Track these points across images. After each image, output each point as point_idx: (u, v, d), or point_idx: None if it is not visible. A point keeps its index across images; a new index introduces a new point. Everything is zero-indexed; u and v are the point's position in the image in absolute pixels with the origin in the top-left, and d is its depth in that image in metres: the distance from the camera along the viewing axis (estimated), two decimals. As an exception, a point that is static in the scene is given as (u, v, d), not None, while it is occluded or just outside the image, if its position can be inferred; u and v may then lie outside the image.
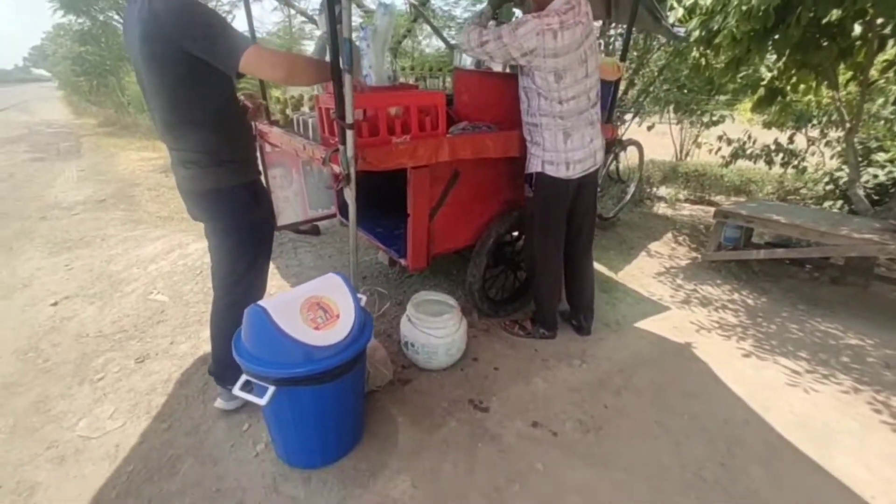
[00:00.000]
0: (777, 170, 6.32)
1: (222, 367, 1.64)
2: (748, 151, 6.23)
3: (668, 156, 7.99)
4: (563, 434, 1.72)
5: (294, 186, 2.81)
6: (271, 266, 3.00)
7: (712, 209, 5.94)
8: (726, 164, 6.59)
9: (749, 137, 6.24)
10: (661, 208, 5.43)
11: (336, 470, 1.51)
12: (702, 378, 2.14)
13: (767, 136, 6.41)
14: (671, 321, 2.68)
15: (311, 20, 8.69)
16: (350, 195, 1.57)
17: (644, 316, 2.71)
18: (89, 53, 11.20)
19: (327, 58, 2.29)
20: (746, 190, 7.07)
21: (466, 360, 2.13)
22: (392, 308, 2.54)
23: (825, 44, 3.32)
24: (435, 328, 1.94)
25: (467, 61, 2.24)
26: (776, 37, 3.28)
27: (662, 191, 6.32)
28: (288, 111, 2.31)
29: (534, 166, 1.98)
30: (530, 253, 2.17)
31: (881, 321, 2.75)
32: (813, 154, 6.34)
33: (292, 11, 9.72)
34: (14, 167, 6.02)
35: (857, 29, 3.19)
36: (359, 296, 1.51)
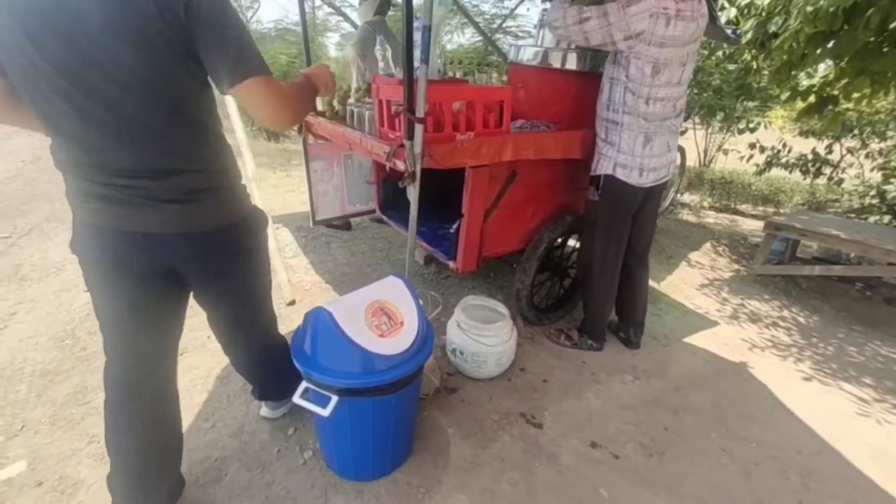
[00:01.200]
0: (810, 180, 6.11)
1: (267, 391, 1.57)
2: (783, 160, 6.04)
3: (689, 161, 7.80)
4: (624, 457, 1.62)
5: (334, 180, 2.74)
6: (305, 261, 2.94)
7: (738, 218, 5.78)
8: (760, 172, 6.39)
9: (784, 145, 6.04)
10: (684, 215, 5.27)
11: (388, 483, 1.43)
12: (764, 401, 2.01)
13: (802, 145, 6.20)
14: (721, 337, 2.55)
15: (340, 12, 8.63)
16: (413, 194, 1.48)
17: (692, 330, 2.59)
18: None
19: (377, 49, 2.20)
20: (775, 200, 6.87)
21: (513, 369, 2.04)
22: (431, 306, 2.46)
23: (886, 50, 3.15)
24: (486, 336, 1.85)
25: (525, 55, 2.12)
26: (833, 42, 3.11)
27: (686, 197, 6.15)
28: (335, 103, 2.23)
29: (604, 168, 1.86)
30: (588, 259, 2.06)
31: (947, 348, 2.60)
32: (850, 165, 6.12)
33: (317, 2, 9.68)
34: (41, 150, 6.04)
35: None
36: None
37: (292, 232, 3.30)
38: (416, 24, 1.88)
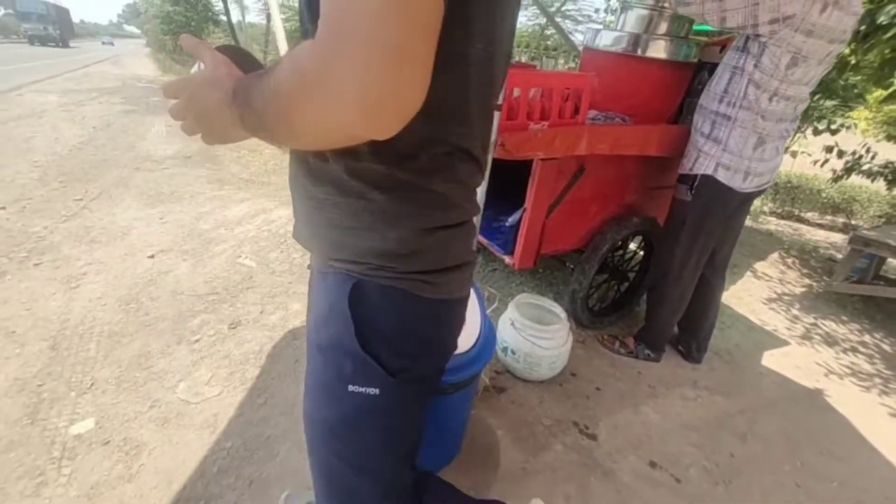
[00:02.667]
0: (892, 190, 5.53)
1: None
2: (865, 167, 5.49)
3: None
4: (687, 481, 1.51)
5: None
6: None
7: (802, 226, 5.33)
8: (837, 179, 5.85)
9: (867, 150, 5.48)
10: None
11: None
12: (844, 436, 1.83)
13: (889, 151, 5.60)
14: (792, 359, 2.35)
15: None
16: (482, 185, 1.40)
17: (759, 348, 2.39)
18: (177, 13, 11.72)
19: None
20: (847, 210, 6.29)
21: (564, 374, 1.95)
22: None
23: None
24: (542, 338, 1.76)
25: (603, 40, 1.97)
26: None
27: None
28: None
29: (703, 167, 1.69)
30: (666, 263, 1.90)
31: None
32: (945, 178, 5.49)
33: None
34: (111, 117, 6.38)
35: None
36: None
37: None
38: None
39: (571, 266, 2.30)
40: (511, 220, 2.20)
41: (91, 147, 4.71)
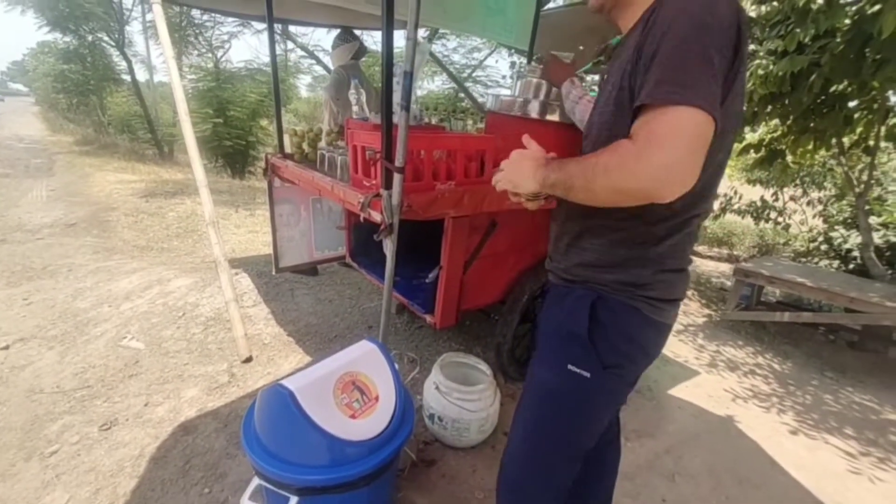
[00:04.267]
0: (762, 224, 6.50)
1: None
2: (735, 206, 6.41)
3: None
4: (625, 539, 1.45)
5: (301, 225, 2.56)
6: (265, 310, 2.69)
7: (696, 259, 5.99)
8: (716, 217, 6.74)
9: (735, 192, 6.43)
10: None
11: None
12: (757, 461, 1.92)
13: (750, 192, 6.62)
14: (704, 388, 2.49)
15: (312, 55, 8.73)
16: (390, 248, 1.34)
17: (675, 381, 2.51)
18: (72, 72, 10.90)
19: (350, 93, 2.12)
20: (728, 242, 7.26)
21: (496, 435, 1.85)
22: (407, 367, 2.26)
23: (825, 111, 3.42)
24: (468, 400, 1.67)
25: (503, 105, 2.10)
26: (784, 102, 3.35)
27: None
28: (305, 145, 2.10)
29: None
30: None
31: (914, 394, 2.64)
32: (794, 212, 6.58)
33: (290, 45, 9.79)
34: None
35: (855, 102, 3.29)
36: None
37: (252, 278, 3.05)
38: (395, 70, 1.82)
39: (495, 317, 2.28)
40: (430, 276, 2.16)
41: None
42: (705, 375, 2.64)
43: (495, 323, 2.13)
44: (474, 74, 7.89)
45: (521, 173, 0.89)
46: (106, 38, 9.93)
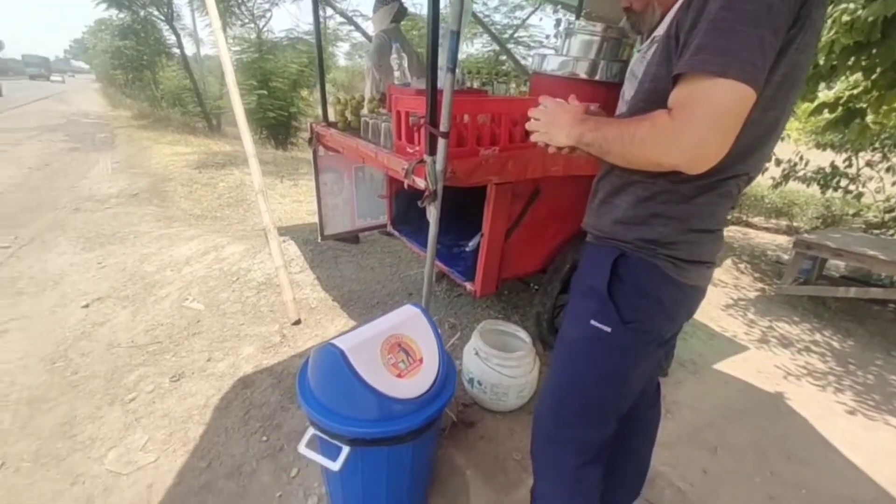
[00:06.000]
0: (829, 194, 5.94)
1: None
2: (800, 173, 5.88)
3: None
4: (662, 505, 1.46)
5: (344, 194, 2.61)
6: (311, 276, 2.82)
7: (750, 231, 5.62)
8: (776, 186, 6.23)
9: (801, 158, 5.88)
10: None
11: (402, 537, 1.28)
12: (807, 438, 1.85)
13: (819, 158, 6.04)
14: (753, 364, 2.39)
15: (351, 21, 8.63)
16: (434, 215, 1.35)
17: (721, 356, 2.43)
18: (127, 48, 11.36)
19: (392, 58, 2.09)
20: (788, 213, 6.73)
21: (535, 401, 1.88)
22: (447, 333, 2.31)
23: (920, 62, 3.01)
24: (507, 366, 1.70)
25: (550, 65, 2.00)
26: (867, 53, 2.98)
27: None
28: (348, 113, 2.12)
29: None
30: None
31: None
32: (870, 179, 5.96)
33: (329, 12, 9.70)
34: (51, 156, 6.01)
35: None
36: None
37: (299, 245, 3.18)
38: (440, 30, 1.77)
39: (535, 287, 2.28)
40: (471, 244, 2.17)
41: (25, 189, 4.40)
42: (755, 351, 2.53)
43: (535, 293, 2.12)
44: (516, 35, 7.53)
45: (558, 126, 0.89)
46: (156, 13, 10.24)
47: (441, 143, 1.26)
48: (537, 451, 1.09)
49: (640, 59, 0.89)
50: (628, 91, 0.93)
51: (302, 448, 1.07)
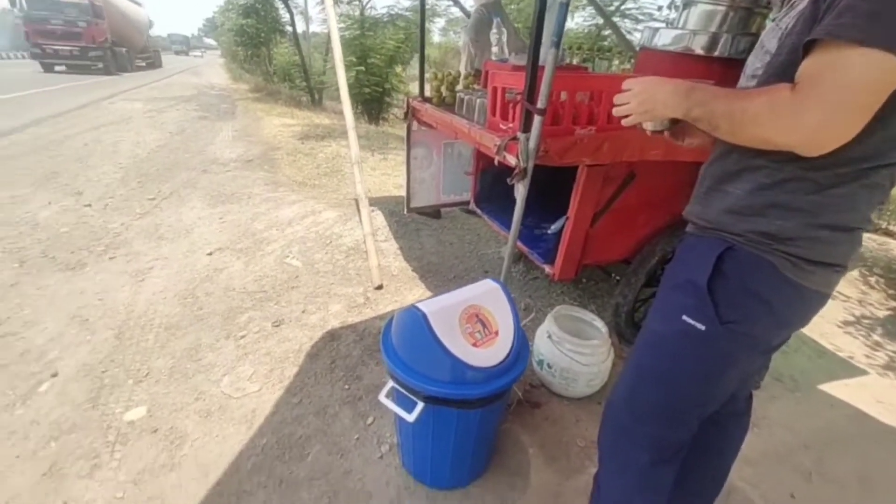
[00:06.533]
0: None
1: None
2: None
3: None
4: (738, 522, 1.37)
5: (432, 169, 2.70)
6: (395, 246, 2.98)
7: (890, 241, 4.71)
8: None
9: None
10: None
11: (462, 496, 1.37)
12: (935, 485, 1.59)
13: None
14: (872, 391, 2.08)
15: (448, -5, 8.60)
16: (521, 192, 1.36)
17: (830, 377, 2.15)
18: (249, 26, 12.49)
19: (492, 33, 2.07)
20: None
21: (604, 392, 1.84)
22: (522, 313, 2.33)
23: None
24: (580, 353, 1.68)
25: (662, 39, 1.85)
26: None
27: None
28: (443, 89, 2.17)
29: None
30: None
31: None
32: None
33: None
34: (186, 122, 6.92)
35: None
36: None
37: (385, 216, 3.37)
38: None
39: (617, 277, 2.18)
40: (554, 227, 2.13)
41: (167, 150, 5.14)
42: (876, 377, 2.19)
43: (616, 283, 2.04)
44: (623, 7, 6.96)
45: (658, 101, 0.83)
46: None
47: (536, 120, 1.24)
48: (606, 441, 1.07)
49: (774, 30, 0.78)
50: (754, 66, 0.83)
51: (382, 397, 1.18)
